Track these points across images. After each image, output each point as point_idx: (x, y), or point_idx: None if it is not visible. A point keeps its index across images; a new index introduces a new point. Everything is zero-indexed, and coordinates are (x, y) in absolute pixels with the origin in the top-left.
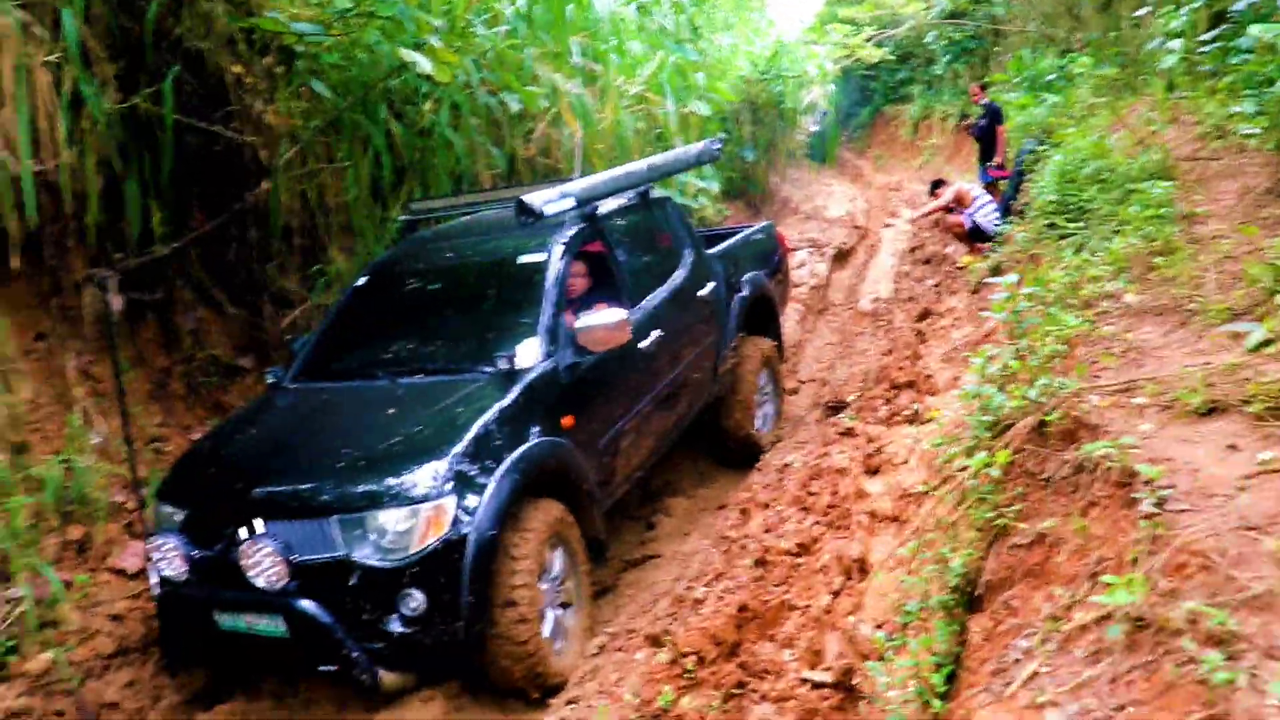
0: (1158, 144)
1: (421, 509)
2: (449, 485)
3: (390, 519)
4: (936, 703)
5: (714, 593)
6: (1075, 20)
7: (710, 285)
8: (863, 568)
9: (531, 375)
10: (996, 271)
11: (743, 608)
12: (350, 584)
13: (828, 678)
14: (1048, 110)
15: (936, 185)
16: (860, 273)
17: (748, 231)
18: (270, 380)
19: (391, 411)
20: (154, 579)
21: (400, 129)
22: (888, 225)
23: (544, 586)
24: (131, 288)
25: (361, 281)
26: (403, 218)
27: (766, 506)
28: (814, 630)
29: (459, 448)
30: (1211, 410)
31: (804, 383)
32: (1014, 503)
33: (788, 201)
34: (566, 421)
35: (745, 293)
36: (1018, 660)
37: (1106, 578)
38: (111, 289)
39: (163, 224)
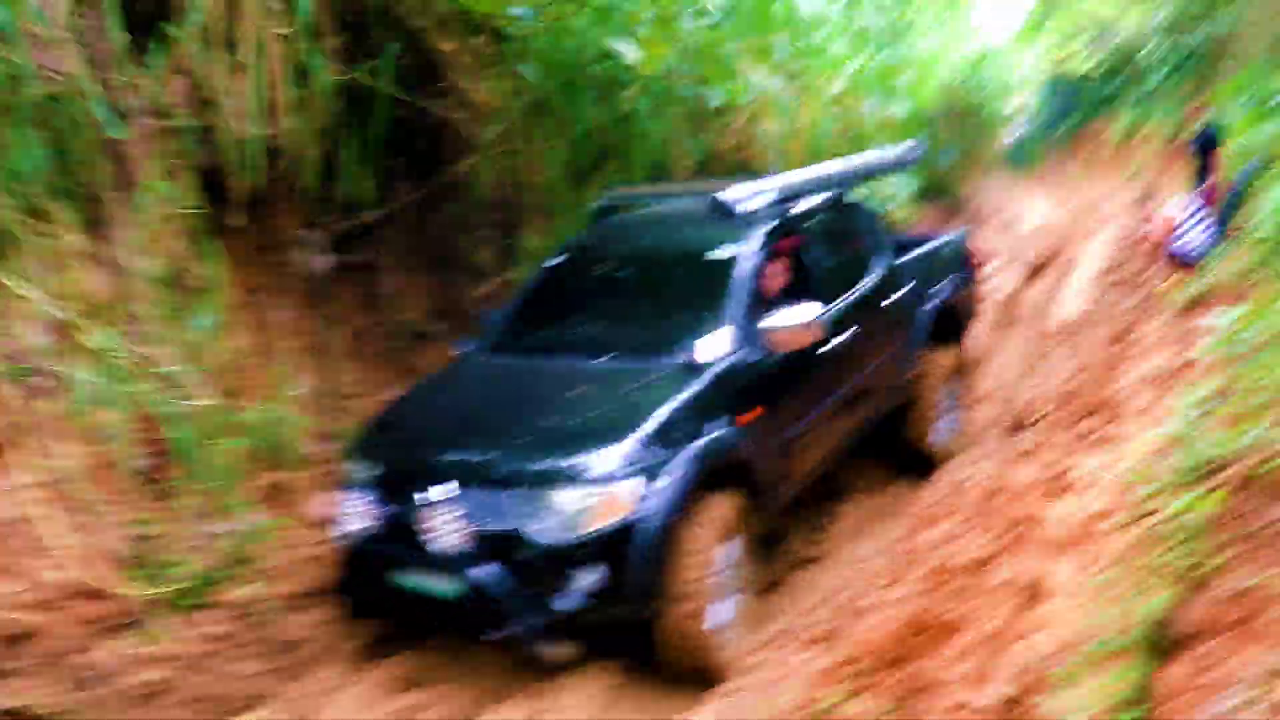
0: None
1: (599, 491)
2: (628, 470)
3: (567, 498)
4: None
5: (882, 601)
6: None
7: (899, 292)
8: (1036, 593)
9: (717, 368)
10: (1199, 301)
11: (911, 620)
12: (524, 557)
13: (995, 701)
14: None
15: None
16: (1053, 289)
17: (940, 240)
18: (459, 351)
19: (576, 392)
20: (338, 532)
21: (601, 114)
22: (1086, 239)
23: (713, 579)
24: (338, 250)
25: (555, 261)
26: (599, 203)
27: (941, 520)
28: (983, 651)
29: (640, 434)
30: None
31: (987, 397)
32: (1217, 552)
33: (981, 210)
34: (747, 417)
35: (934, 302)
36: None
37: None
38: (320, 250)
39: (371, 191)
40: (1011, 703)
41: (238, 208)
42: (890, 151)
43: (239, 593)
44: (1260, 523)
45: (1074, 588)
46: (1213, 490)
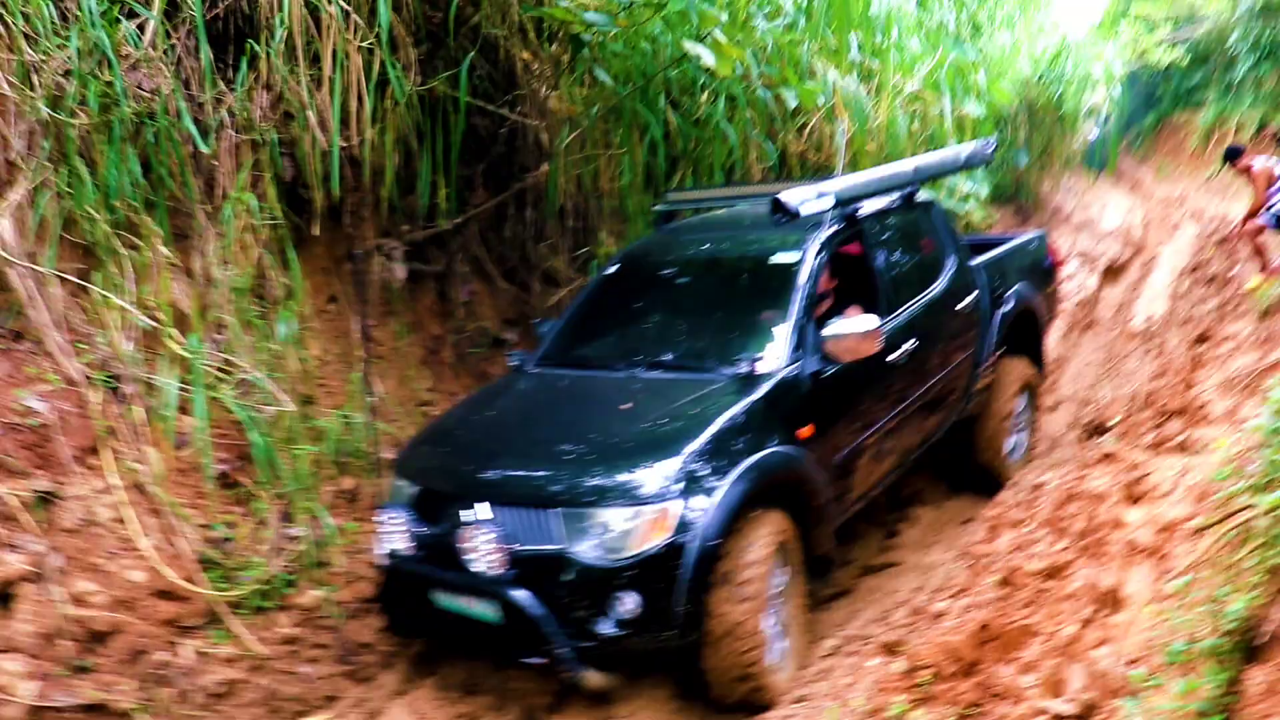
0: None
1: (645, 510)
2: (677, 487)
3: (613, 517)
4: None
5: (955, 608)
6: None
7: (971, 296)
8: (1115, 600)
9: (773, 380)
10: None
11: (984, 626)
12: (566, 579)
13: (1070, 709)
14: None
15: (1234, 154)
16: (1133, 289)
17: (1017, 241)
18: (512, 363)
19: (627, 406)
20: (381, 549)
21: (677, 118)
22: (1167, 239)
23: (765, 601)
24: (415, 258)
25: (611, 270)
26: (658, 207)
27: (1016, 526)
28: (1058, 659)
29: (691, 450)
30: None
31: (1064, 401)
32: None
33: (1059, 210)
34: (804, 432)
35: (1009, 307)
36: None
37: None
38: (397, 259)
39: (448, 199)
40: (1091, 708)
41: (318, 218)
42: (962, 149)
43: (310, 596)
44: None
45: (1153, 595)
46: None
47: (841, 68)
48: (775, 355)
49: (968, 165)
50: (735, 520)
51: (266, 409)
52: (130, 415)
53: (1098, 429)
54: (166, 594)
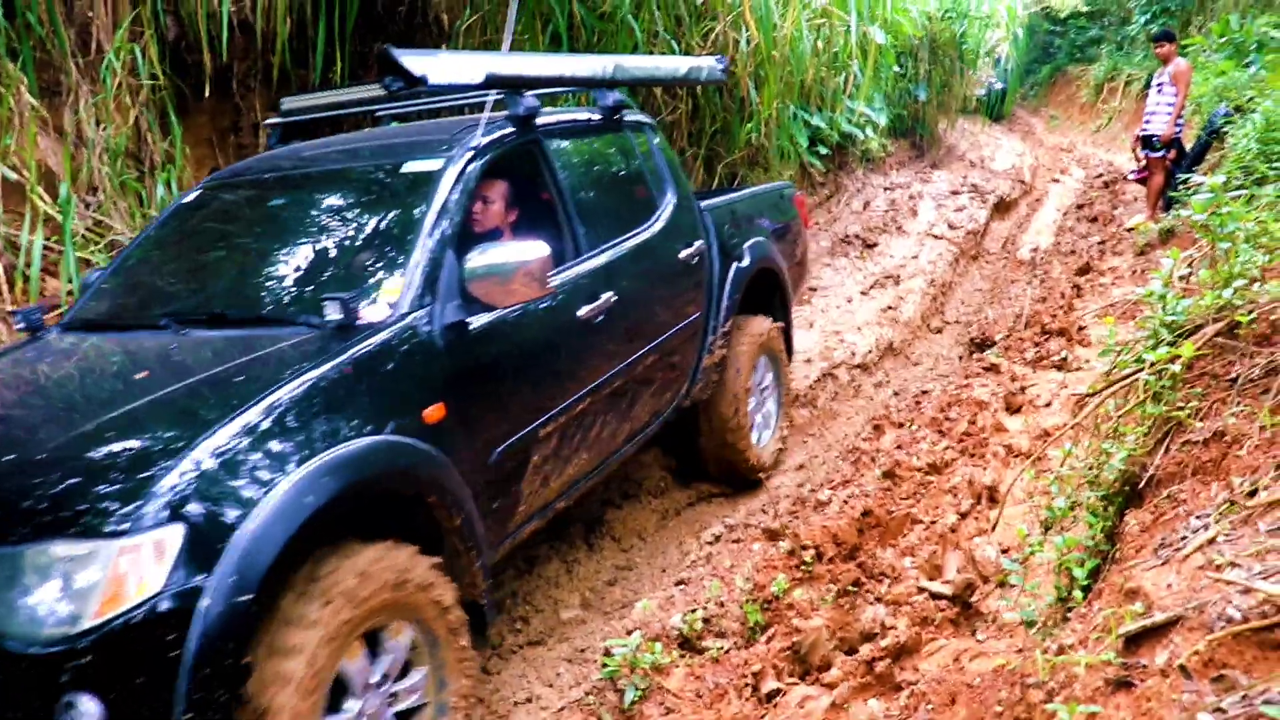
0: None
1: (114, 545)
2: (173, 510)
3: (53, 560)
4: (1077, 594)
5: (839, 497)
6: None
7: (696, 244)
8: (993, 496)
9: (380, 334)
10: (1169, 235)
11: (867, 513)
12: None
13: (947, 590)
14: (1250, 77)
15: (1168, 36)
16: (1021, 224)
17: (759, 188)
18: (19, 326)
19: (142, 377)
20: None
21: (582, 10)
22: (1055, 181)
23: (354, 703)
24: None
25: (189, 199)
26: (272, 121)
27: (901, 426)
28: (937, 545)
29: (205, 447)
30: None
31: (950, 323)
32: (1192, 400)
33: (954, 148)
34: (433, 413)
35: (746, 262)
36: (1185, 537)
37: None
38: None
39: (342, 76)
40: (968, 588)
41: (204, 85)
42: (685, 61)
43: None
44: (1235, 372)
45: (1031, 491)
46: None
47: None
48: (389, 298)
49: (688, 80)
50: (288, 561)
51: None
52: None
53: (982, 344)
54: None
